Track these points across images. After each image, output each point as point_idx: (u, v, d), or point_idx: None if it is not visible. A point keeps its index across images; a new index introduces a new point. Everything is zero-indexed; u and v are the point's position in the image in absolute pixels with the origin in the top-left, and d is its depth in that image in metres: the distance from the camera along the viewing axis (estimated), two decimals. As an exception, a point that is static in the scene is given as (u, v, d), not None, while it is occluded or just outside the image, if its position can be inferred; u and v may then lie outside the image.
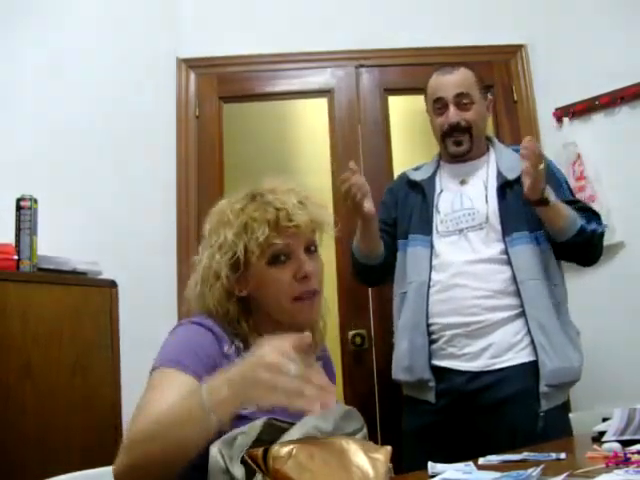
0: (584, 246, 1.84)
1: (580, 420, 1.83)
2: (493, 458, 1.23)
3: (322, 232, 1.23)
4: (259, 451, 0.89)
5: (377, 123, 2.70)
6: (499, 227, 1.86)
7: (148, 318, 2.33)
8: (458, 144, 1.95)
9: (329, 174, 2.63)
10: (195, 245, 2.55)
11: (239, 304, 1.19)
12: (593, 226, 1.83)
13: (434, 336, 1.86)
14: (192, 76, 2.72)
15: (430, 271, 1.88)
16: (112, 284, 2.12)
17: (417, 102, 2.15)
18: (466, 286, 1.83)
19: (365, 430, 1.11)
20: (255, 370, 0.90)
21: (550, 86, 2.66)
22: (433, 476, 1.08)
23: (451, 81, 1.94)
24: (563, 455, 1.20)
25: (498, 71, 2.73)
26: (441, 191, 1.98)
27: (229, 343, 1.14)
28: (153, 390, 1.03)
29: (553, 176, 1.90)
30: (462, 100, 1.93)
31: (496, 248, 1.86)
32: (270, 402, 0.91)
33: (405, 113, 2.72)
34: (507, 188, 1.89)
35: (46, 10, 2.33)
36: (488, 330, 1.80)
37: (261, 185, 1.22)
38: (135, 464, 0.93)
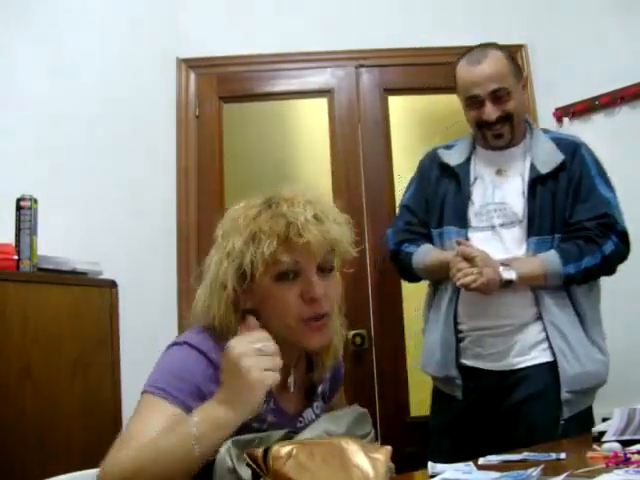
0: (586, 279, 1.78)
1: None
2: (493, 458, 1.22)
3: (339, 251, 1.11)
4: (259, 451, 0.89)
5: (377, 123, 2.69)
6: (526, 226, 1.79)
7: (148, 318, 2.33)
8: (498, 137, 1.84)
9: (329, 174, 2.63)
10: (195, 245, 2.56)
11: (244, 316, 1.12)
12: (585, 263, 1.73)
13: (461, 335, 1.85)
14: (192, 76, 2.72)
15: None
16: (112, 284, 2.12)
17: (417, 102, 2.14)
18: None
19: (372, 434, 1.12)
20: (237, 364, 0.93)
21: (550, 86, 2.66)
22: (433, 476, 1.07)
23: (485, 74, 1.78)
24: (563, 455, 1.20)
25: (498, 71, 2.73)
26: (475, 179, 1.88)
27: None
28: (139, 418, 1.00)
29: (584, 179, 1.80)
30: (499, 94, 1.79)
31: (522, 249, 1.80)
32: (267, 385, 0.94)
33: (405, 113, 2.72)
34: (538, 184, 1.79)
35: (46, 10, 2.34)
36: (514, 331, 1.78)
37: (280, 192, 1.12)
38: None
